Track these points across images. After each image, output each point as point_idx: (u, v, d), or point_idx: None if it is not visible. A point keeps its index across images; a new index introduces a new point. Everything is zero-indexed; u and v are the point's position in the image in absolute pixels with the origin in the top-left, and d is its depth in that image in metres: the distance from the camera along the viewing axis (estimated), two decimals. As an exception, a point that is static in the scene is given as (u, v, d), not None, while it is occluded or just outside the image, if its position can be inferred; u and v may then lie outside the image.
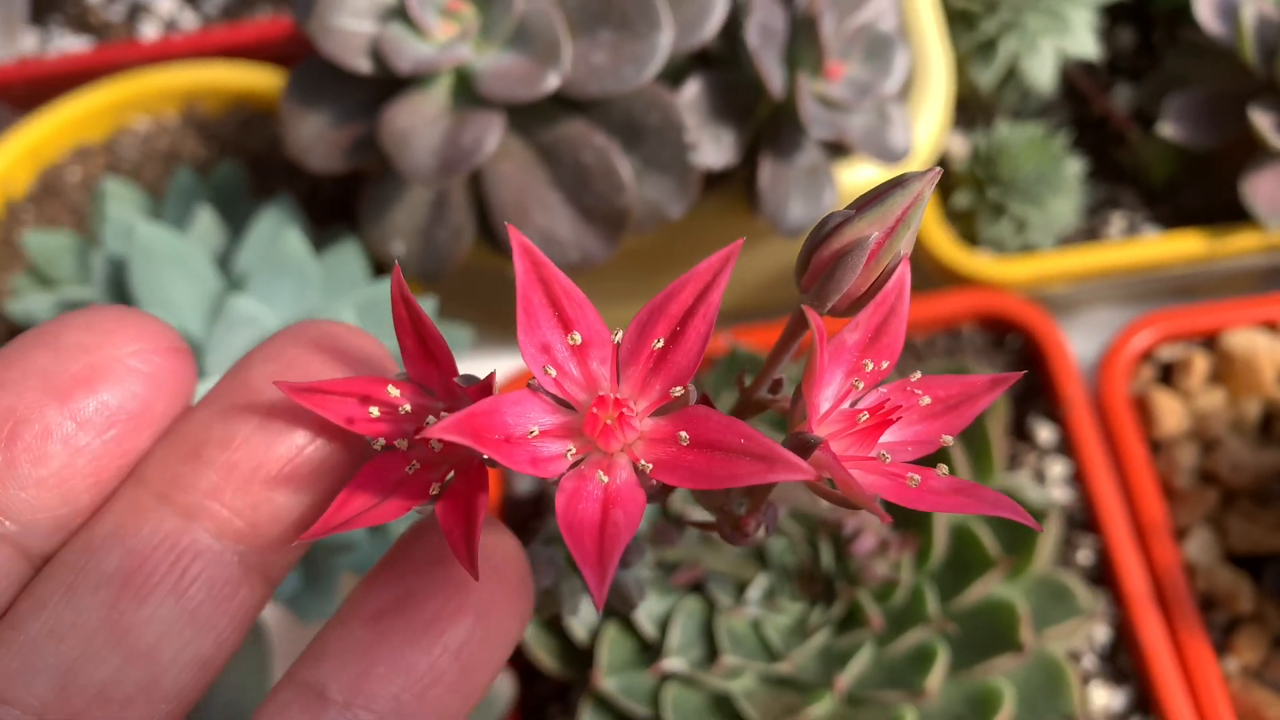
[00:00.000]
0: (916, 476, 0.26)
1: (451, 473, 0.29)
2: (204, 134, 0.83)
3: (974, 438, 0.58)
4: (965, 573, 0.55)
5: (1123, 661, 0.62)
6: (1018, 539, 0.56)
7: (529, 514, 0.69)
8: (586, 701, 0.56)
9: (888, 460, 0.26)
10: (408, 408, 0.28)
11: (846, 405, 0.27)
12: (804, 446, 0.25)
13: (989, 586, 0.55)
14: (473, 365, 0.68)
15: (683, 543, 0.52)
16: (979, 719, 0.52)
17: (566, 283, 0.26)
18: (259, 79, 0.80)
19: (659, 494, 0.27)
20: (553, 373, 0.26)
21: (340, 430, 0.29)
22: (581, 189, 0.54)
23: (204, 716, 0.54)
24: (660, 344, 0.26)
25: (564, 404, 0.27)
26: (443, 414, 0.29)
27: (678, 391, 0.26)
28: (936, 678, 0.52)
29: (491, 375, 0.26)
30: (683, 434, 0.26)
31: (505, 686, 0.58)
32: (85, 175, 0.82)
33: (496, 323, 0.84)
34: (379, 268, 0.62)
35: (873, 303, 0.27)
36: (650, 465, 0.26)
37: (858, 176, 0.64)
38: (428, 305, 0.56)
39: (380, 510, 0.28)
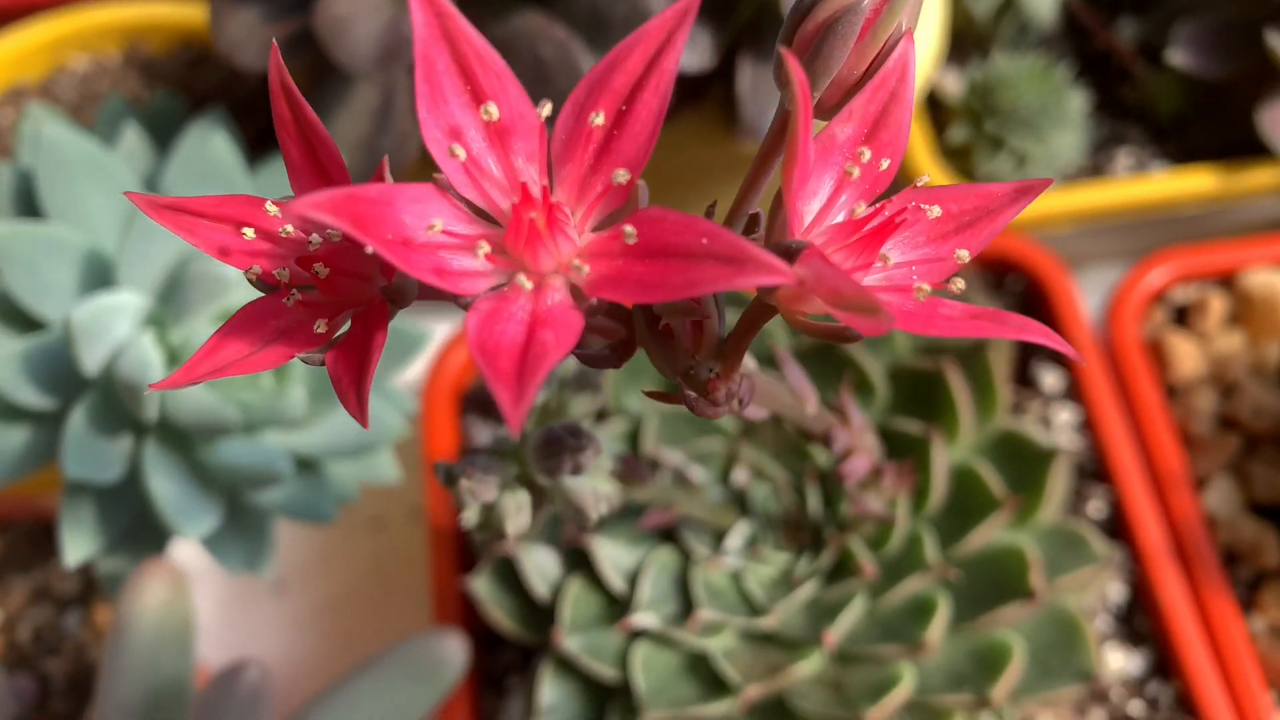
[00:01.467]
0: (925, 286, 0.20)
1: (348, 320, 0.24)
2: (147, 74, 0.78)
3: (975, 370, 0.52)
4: (967, 518, 0.50)
5: (1139, 622, 0.57)
6: (1025, 480, 0.51)
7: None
8: (547, 664, 0.50)
9: (891, 262, 0.21)
10: (289, 229, 0.23)
11: (838, 217, 0.22)
12: (785, 252, 0.20)
13: (993, 531, 0.49)
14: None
15: (654, 484, 0.47)
16: (985, 676, 0.47)
17: (480, 44, 0.20)
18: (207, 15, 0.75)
19: (601, 328, 0.22)
20: (461, 154, 0.20)
21: None
22: (540, 88, 0.48)
23: (121, 669, 0.48)
24: (600, 119, 0.20)
25: (482, 215, 0.21)
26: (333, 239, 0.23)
27: (622, 176, 0.20)
28: (937, 630, 0.47)
29: (383, 161, 0.21)
30: (629, 229, 0.20)
31: (456, 653, 0.52)
32: (19, 118, 0.77)
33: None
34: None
35: (869, 86, 0.21)
36: (587, 271, 0.20)
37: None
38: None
39: (257, 358, 0.23)
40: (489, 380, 0.18)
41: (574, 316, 0.20)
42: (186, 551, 0.55)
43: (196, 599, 0.63)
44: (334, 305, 0.23)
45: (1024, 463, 0.52)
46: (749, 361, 0.33)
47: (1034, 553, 0.48)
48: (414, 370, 0.65)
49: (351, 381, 0.21)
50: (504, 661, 0.58)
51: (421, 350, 0.48)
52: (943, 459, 0.49)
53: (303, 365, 0.47)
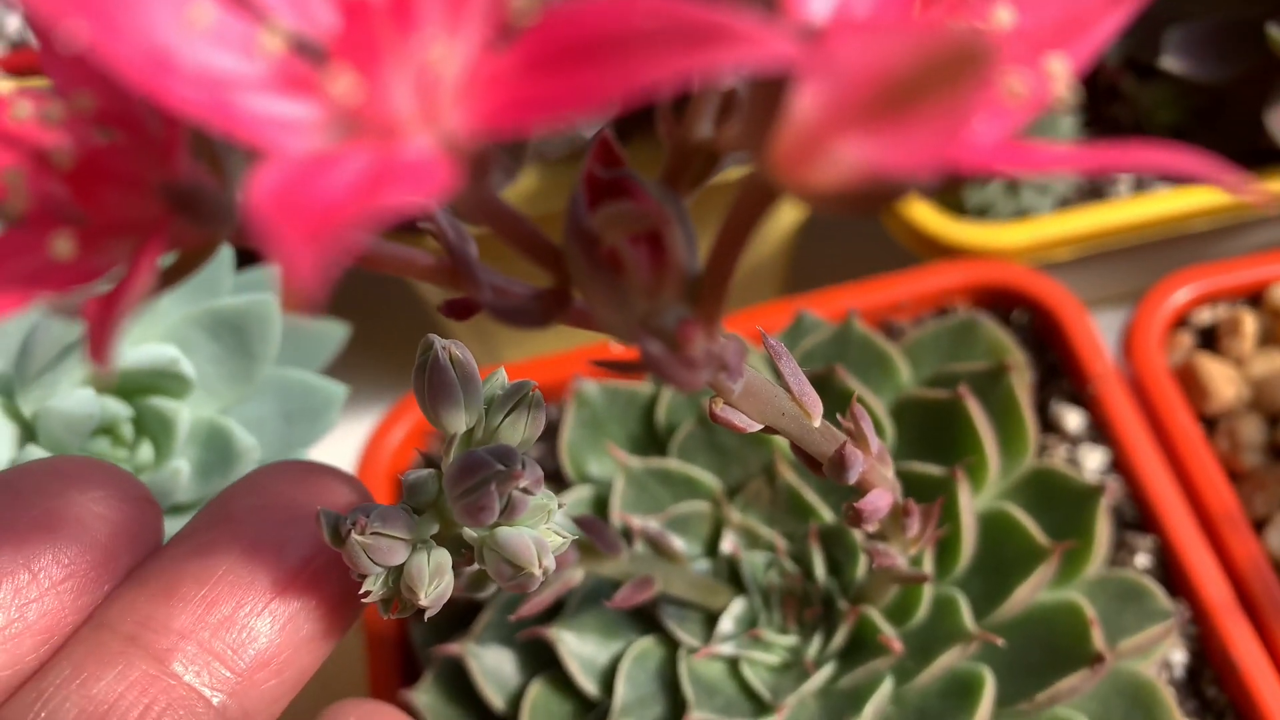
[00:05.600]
0: (1017, 88, 0.13)
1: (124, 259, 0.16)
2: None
3: (996, 400, 0.45)
4: (1004, 574, 0.41)
5: (1211, 693, 0.48)
6: (1065, 526, 0.43)
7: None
8: (509, 792, 0.41)
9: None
10: (26, 108, 0.15)
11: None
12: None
13: (1039, 587, 0.41)
14: (344, 431, 0.53)
15: (626, 557, 0.38)
16: (1050, 767, 0.38)
17: None
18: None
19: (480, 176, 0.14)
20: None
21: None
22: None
23: None
24: None
25: (311, 49, 0.14)
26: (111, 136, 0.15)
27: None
28: (984, 712, 0.38)
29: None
30: (538, 41, 0.12)
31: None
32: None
33: (375, 348, 0.69)
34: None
35: None
36: (467, 107, 0.12)
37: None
38: (273, 273, 0.43)
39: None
40: (268, 239, 0.10)
41: (440, 171, 0.12)
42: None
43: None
44: (101, 231, 0.15)
45: (1062, 506, 0.43)
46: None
47: (1091, 609, 0.40)
48: (342, 451, 0.57)
49: (100, 319, 0.13)
50: (462, 794, 0.48)
51: (332, 409, 0.40)
52: (969, 504, 0.41)
53: (184, 437, 0.38)
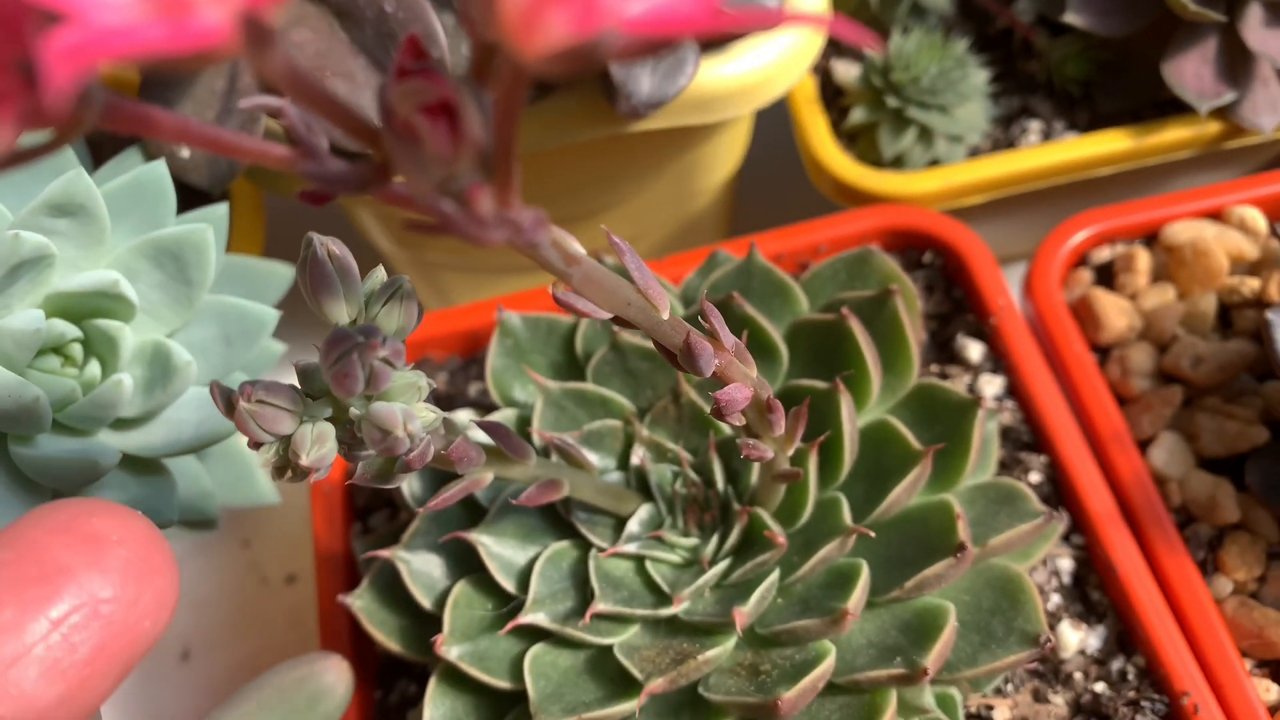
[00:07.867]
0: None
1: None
2: None
3: (881, 322, 0.48)
4: (885, 479, 0.45)
5: (1095, 596, 0.52)
6: (946, 437, 0.46)
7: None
8: (435, 678, 0.45)
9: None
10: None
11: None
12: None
13: (914, 489, 0.45)
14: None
15: (535, 463, 0.42)
16: (916, 645, 0.42)
17: None
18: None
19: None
20: None
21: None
22: (388, 46, 0.45)
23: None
24: None
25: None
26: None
27: None
28: (857, 598, 0.42)
29: None
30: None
31: (337, 682, 0.46)
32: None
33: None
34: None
35: None
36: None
37: (732, 60, 0.56)
38: (217, 212, 0.47)
39: None
40: (40, 71, 0.14)
41: (217, 30, 0.16)
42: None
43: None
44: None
45: (944, 419, 0.47)
46: (577, 247, 0.29)
47: (959, 506, 0.43)
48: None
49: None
50: (405, 694, 0.52)
51: (265, 331, 0.44)
52: (851, 414, 0.45)
53: (128, 356, 0.42)
